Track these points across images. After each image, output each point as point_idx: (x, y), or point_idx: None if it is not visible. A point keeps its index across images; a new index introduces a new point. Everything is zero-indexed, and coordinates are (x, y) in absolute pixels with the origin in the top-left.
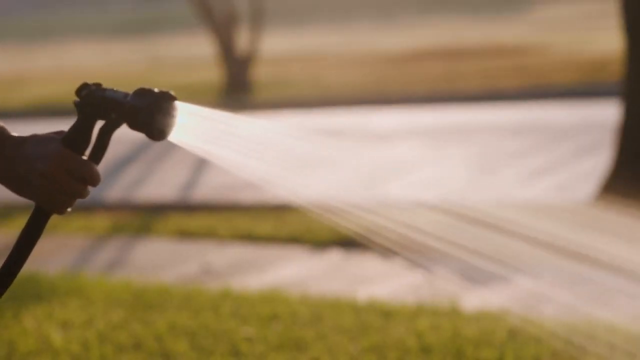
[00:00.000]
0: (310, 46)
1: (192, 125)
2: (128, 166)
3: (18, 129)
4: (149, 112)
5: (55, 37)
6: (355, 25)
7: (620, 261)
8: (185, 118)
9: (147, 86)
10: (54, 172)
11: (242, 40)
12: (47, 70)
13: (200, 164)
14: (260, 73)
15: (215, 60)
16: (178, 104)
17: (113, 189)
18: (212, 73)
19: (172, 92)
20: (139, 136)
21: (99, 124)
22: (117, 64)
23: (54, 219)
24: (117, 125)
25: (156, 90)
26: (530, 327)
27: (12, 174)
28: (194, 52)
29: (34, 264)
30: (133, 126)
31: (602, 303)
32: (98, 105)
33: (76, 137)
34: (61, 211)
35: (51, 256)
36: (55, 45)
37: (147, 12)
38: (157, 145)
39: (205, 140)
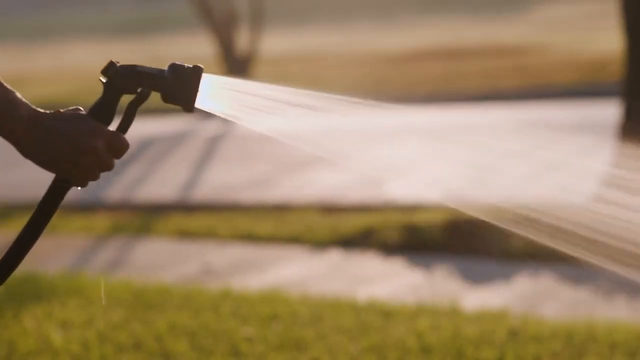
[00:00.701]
0: (310, 46)
1: (220, 94)
2: (128, 166)
3: None
4: (186, 86)
5: (55, 37)
6: (355, 25)
7: (620, 261)
8: (213, 88)
9: (178, 62)
10: (101, 147)
11: (242, 40)
12: (47, 70)
13: (201, 164)
14: (260, 73)
15: (215, 60)
16: (207, 75)
17: (113, 189)
18: (213, 72)
19: (202, 65)
20: (139, 136)
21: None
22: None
23: (55, 219)
24: (145, 99)
25: (188, 65)
26: (531, 327)
27: (46, 150)
28: (194, 52)
29: (33, 264)
30: (171, 99)
31: (603, 302)
32: (129, 81)
33: (105, 113)
34: (86, 184)
35: (51, 256)
36: (55, 45)
37: (147, 12)
38: (157, 145)
39: (233, 106)
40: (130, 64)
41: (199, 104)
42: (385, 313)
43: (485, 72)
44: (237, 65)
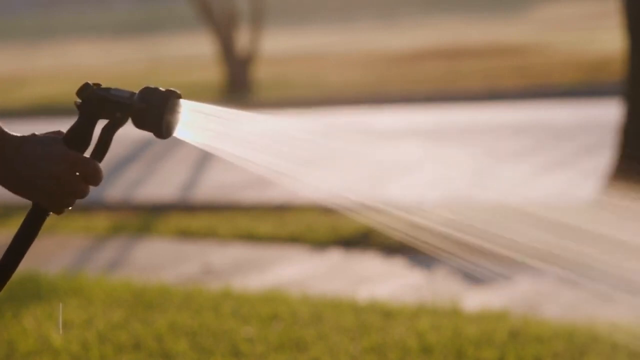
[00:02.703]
0: (310, 46)
1: (198, 122)
2: (128, 166)
3: (18, 129)
4: (158, 112)
5: (56, 36)
6: (356, 24)
7: (621, 260)
8: (190, 115)
9: (151, 85)
10: (63, 173)
11: (243, 39)
12: (48, 69)
13: (201, 164)
14: (261, 72)
15: (216, 59)
16: (183, 101)
17: (113, 189)
18: (213, 72)
19: (178, 91)
20: (139, 136)
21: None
22: (118, 63)
23: (54, 219)
24: (121, 124)
25: (162, 89)
26: (532, 327)
27: (13, 175)
28: (195, 51)
29: (33, 264)
30: (140, 125)
31: (604, 303)
32: (101, 105)
33: (78, 137)
34: (62, 211)
35: (51, 256)
36: (56, 44)
37: (148, 11)
38: (158, 144)
39: (211, 136)
40: (105, 87)
41: (172, 131)
42: (385, 313)
43: (486, 71)
44: (237, 65)
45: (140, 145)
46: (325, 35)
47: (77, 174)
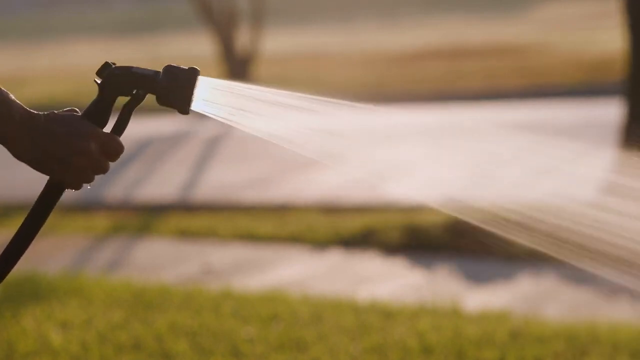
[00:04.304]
0: (311, 45)
1: (216, 97)
2: (128, 166)
3: None
4: (181, 88)
5: (57, 36)
6: (357, 24)
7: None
8: (209, 90)
9: (173, 63)
10: (91, 149)
11: (243, 39)
12: (48, 69)
13: (201, 164)
14: (261, 72)
15: (216, 59)
16: (203, 78)
17: (113, 189)
18: (213, 72)
19: (198, 68)
20: (139, 136)
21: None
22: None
23: (55, 219)
24: (140, 101)
25: (183, 66)
26: (533, 327)
27: (39, 151)
28: (195, 51)
29: (33, 264)
30: (165, 102)
31: (605, 303)
32: (122, 83)
33: (99, 115)
34: (81, 187)
35: (51, 256)
36: (56, 44)
37: (148, 11)
38: (157, 145)
39: (228, 110)
40: (126, 66)
41: (194, 106)
42: (386, 313)
43: (487, 71)
44: (237, 64)
45: (140, 145)
46: (325, 35)
47: (104, 150)
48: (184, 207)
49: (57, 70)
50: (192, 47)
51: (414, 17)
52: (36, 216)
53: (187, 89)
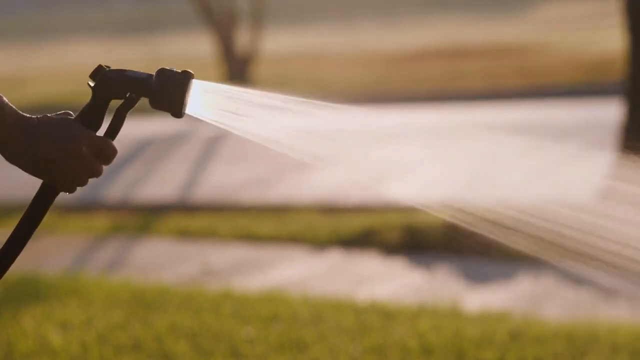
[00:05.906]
0: (311, 45)
1: (210, 100)
2: (128, 166)
3: None
4: (177, 92)
5: (57, 36)
6: (357, 24)
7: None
8: (203, 94)
9: (166, 67)
10: (85, 152)
11: (243, 39)
12: (47, 69)
13: (201, 164)
14: (261, 72)
15: (216, 59)
16: (196, 81)
17: (113, 189)
18: (213, 72)
19: (192, 71)
20: (139, 136)
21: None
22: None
23: (55, 219)
24: (134, 104)
25: (177, 70)
26: (532, 327)
27: (32, 155)
28: (195, 51)
29: (33, 264)
30: (158, 105)
31: (605, 303)
32: (115, 86)
33: (92, 118)
34: (74, 190)
35: (51, 256)
36: (56, 44)
37: (148, 11)
38: (157, 144)
39: (223, 113)
40: (119, 69)
41: (187, 110)
42: (386, 313)
43: (487, 71)
44: (237, 64)
45: (140, 145)
46: (325, 35)
47: (96, 153)
48: (184, 207)
49: (57, 70)
50: (191, 47)
51: (414, 17)
52: (30, 219)
53: (180, 93)
